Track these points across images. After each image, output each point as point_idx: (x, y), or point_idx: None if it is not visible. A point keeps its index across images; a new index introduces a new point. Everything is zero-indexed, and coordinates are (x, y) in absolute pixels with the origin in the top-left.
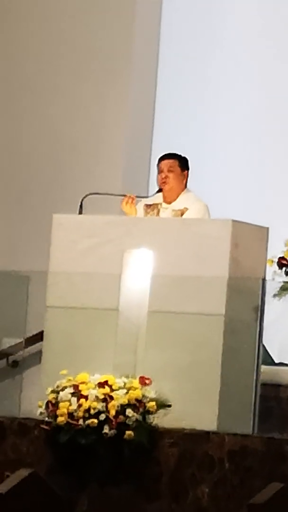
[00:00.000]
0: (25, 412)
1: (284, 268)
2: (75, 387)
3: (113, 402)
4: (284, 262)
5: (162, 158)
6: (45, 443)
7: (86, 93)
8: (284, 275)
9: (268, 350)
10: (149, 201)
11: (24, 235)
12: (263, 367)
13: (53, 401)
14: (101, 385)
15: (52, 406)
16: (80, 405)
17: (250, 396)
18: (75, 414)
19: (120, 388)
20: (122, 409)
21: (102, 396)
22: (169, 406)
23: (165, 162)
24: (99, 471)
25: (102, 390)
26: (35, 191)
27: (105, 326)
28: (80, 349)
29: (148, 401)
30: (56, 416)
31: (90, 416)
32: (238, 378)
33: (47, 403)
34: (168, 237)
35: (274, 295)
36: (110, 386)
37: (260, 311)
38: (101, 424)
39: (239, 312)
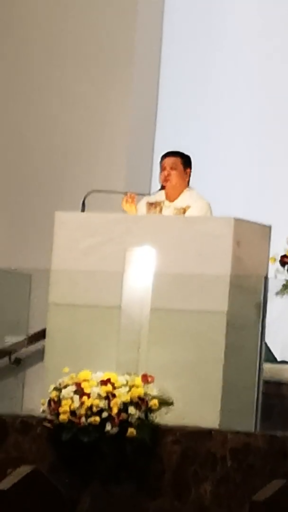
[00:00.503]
0: (27, 409)
1: (286, 266)
2: (78, 385)
3: (115, 400)
4: (286, 260)
5: (165, 156)
6: (47, 441)
7: (89, 91)
8: (287, 273)
9: (271, 348)
10: (151, 199)
11: (27, 233)
12: (266, 365)
13: (56, 399)
14: (104, 383)
15: (55, 404)
16: (82, 403)
17: (253, 394)
18: (77, 412)
19: (122, 386)
20: (124, 407)
21: (104, 394)
22: (172, 404)
23: (168, 160)
24: (101, 469)
25: (104, 388)
26: (37, 189)
27: (107, 324)
28: (82, 347)
29: (151, 399)
30: (58, 414)
31: (93, 414)
32: (240, 376)
33: (49, 401)
34: (171, 235)
35: (276, 293)
36: (113, 384)
37: (262, 309)
38: (104, 422)
39: (242, 310)
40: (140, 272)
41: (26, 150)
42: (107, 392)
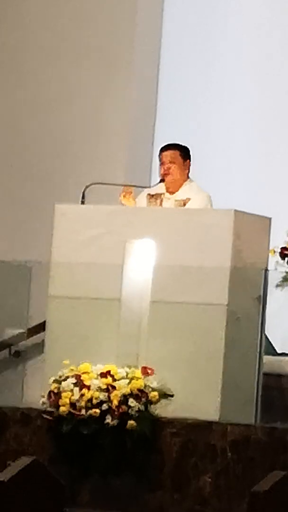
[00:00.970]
0: (27, 402)
1: (286, 258)
2: (78, 377)
3: (115, 392)
4: (287, 252)
5: (163, 149)
6: (47, 433)
7: (88, 82)
8: (287, 265)
9: (271, 340)
10: (151, 191)
11: (26, 225)
12: (266, 357)
13: (56, 391)
14: (104, 375)
15: (55, 396)
16: (82, 395)
17: (253, 386)
18: (77, 404)
19: (122, 378)
20: (124, 399)
21: (104, 386)
22: (172, 396)
23: (167, 153)
24: (101, 461)
25: (104, 380)
26: (37, 181)
27: (107, 316)
28: (82, 339)
29: (151, 391)
30: (58, 406)
31: (93, 406)
32: (240, 368)
33: (49, 393)
34: (171, 227)
35: (277, 285)
36: (113, 376)
37: (262, 301)
38: (104, 414)
39: (242, 302)
40: (140, 264)
41: (26, 143)
42: (107, 384)
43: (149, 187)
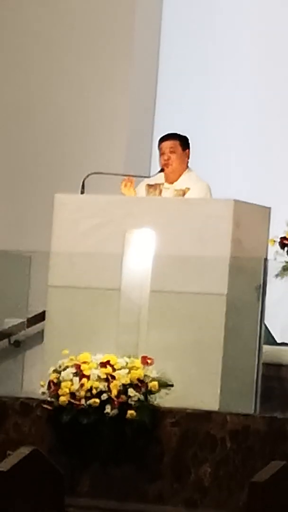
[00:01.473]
0: (27, 391)
1: (286, 248)
2: (77, 366)
3: (115, 382)
4: (286, 242)
5: (162, 139)
6: (47, 423)
7: (88, 73)
8: (286, 255)
9: (270, 330)
10: (151, 181)
11: (26, 215)
12: (265, 347)
13: (55, 381)
14: (103, 365)
15: (54, 385)
16: (82, 385)
17: (252, 376)
18: (77, 394)
19: (122, 368)
20: (124, 388)
21: (104, 376)
22: (171, 385)
23: (166, 143)
24: (101, 451)
25: (104, 370)
26: (37, 171)
27: (107, 306)
28: (82, 329)
29: (150, 381)
30: (58, 396)
31: (92, 396)
32: (240, 358)
33: (49, 383)
34: (170, 217)
35: (276, 275)
36: (112, 366)
37: (262, 291)
38: (103, 404)
39: (241, 292)
40: (140, 254)
41: (25, 132)
42: (107, 374)
43: (149, 177)
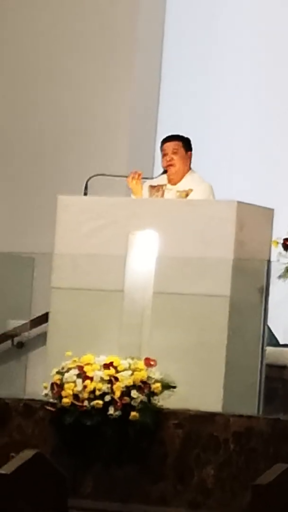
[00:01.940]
0: (30, 393)
1: None
2: (80, 368)
3: (118, 384)
4: None
5: (165, 140)
6: (50, 425)
7: (91, 74)
8: None
9: (273, 331)
10: (153, 182)
11: (29, 216)
12: (268, 348)
13: (58, 382)
14: (106, 366)
15: (57, 387)
16: (85, 387)
17: (255, 378)
18: (80, 395)
19: (125, 369)
20: (127, 390)
21: (107, 378)
22: (174, 387)
23: (169, 144)
24: (104, 453)
25: (107, 372)
26: (40, 173)
27: (110, 307)
28: (85, 330)
29: (153, 383)
30: (61, 398)
31: (95, 398)
32: (243, 360)
33: (52, 385)
34: (173, 218)
35: (279, 277)
36: (115, 368)
37: (265, 292)
38: (106, 405)
39: (244, 294)
40: (143, 256)
41: (28, 134)
42: (110, 376)
43: (152, 178)
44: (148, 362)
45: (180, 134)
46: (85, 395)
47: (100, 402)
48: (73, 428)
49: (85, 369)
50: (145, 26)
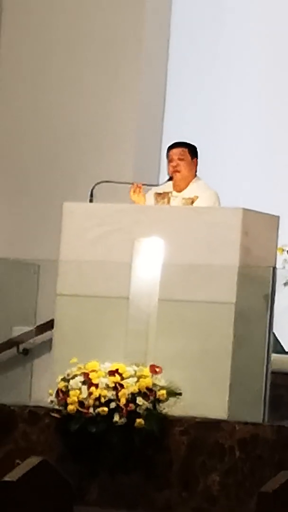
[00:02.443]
0: (35, 400)
1: None
2: (86, 375)
3: (123, 391)
4: None
5: (171, 147)
6: (55, 431)
7: (98, 83)
8: None
9: (279, 339)
10: (159, 189)
11: (35, 223)
12: (274, 356)
13: (64, 389)
14: (112, 373)
15: (63, 394)
16: (90, 394)
17: (261, 385)
18: (85, 402)
19: (130, 376)
20: (132, 397)
21: (112, 385)
22: (180, 394)
23: (175, 151)
24: (109, 460)
25: (112, 379)
26: (45, 179)
27: (115, 314)
28: (90, 337)
29: (159, 390)
30: (66, 404)
31: (101, 405)
32: (248, 367)
33: (57, 391)
34: (179, 225)
35: (285, 284)
36: (121, 375)
37: (270, 299)
38: (112, 412)
39: (250, 301)
40: (148, 263)
41: (34, 141)
42: (115, 383)
43: (158, 185)
44: (154, 369)
45: (186, 141)
46: (91, 402)
47: (106, 409)
48: (79, 435)
49: (90, 376)
50: (151, 36)
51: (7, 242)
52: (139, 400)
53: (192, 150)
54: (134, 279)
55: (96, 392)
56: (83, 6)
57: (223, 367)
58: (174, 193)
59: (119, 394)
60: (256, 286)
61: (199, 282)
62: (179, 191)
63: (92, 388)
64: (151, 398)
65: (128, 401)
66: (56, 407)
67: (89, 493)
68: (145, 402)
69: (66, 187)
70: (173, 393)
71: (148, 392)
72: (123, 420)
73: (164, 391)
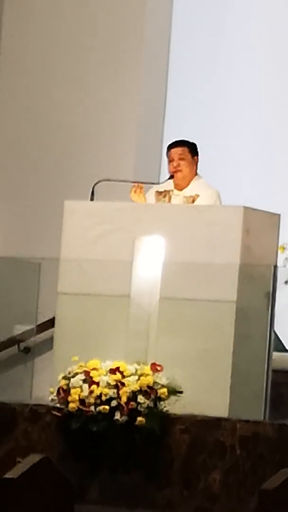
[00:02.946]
0: (36, 398)
1: None
2: (87, 373)
3: (124, 389)
4: None
5: (171, 146)
6: (56, 430)
7: (99, 82)
8: None
9: (280, 337)
10: (160, 188)
11: (35, 222)
12: (275, 354)
13: (65, 388)
14: (113, 371)
15: (64, 392)
16: (91, 392)
17: (262, 383)
18: (86, 400)
19: (131, 374)
20: (133, 395)
21: (113, 383)
22: (181, 392)
23: (175, 150)
24: (110, 458)
25: (113, 377)
26: (46, 178)
27: (116, 312)
28: (91, 335)
29: (160, 388)
30: (67, 403)
31: (102, 403)
32: (249, 365)
33: (58, 390)
34: (180, 223)
35: (286, 282)
36: (122, 373)
37: (271, 297)
38: (113, 410)
39: (251, 299)
40: (149, 261)
41: (35, 139)
42: (116, 381)
43: (158, 183)
44: (155, 367)
45: (187, 140)
46: (92, 400)
47: (107, 407)
48: (79, 433)
49: (91, 374)
50: (152, 36)
51: (8, 240)
52: (140, 399)
53: (192, 148)
54: (135, 277)
55: (97, 390)
56: (84, 6)
57: (224, 366)
58: (175, 191)
59: (120, 392)
60: (257, 284)
61: (200, 281)
62: (180, 189)
63: (93, 386)
64: (152, 396)
65: (129, 399)
66: (57, 405)
67: (90, 491)
68: (146, 401)
69: (67, 185)
70: (174, 391)
71: (149, 390)
72: (124, 418)
73: (165, 389)
